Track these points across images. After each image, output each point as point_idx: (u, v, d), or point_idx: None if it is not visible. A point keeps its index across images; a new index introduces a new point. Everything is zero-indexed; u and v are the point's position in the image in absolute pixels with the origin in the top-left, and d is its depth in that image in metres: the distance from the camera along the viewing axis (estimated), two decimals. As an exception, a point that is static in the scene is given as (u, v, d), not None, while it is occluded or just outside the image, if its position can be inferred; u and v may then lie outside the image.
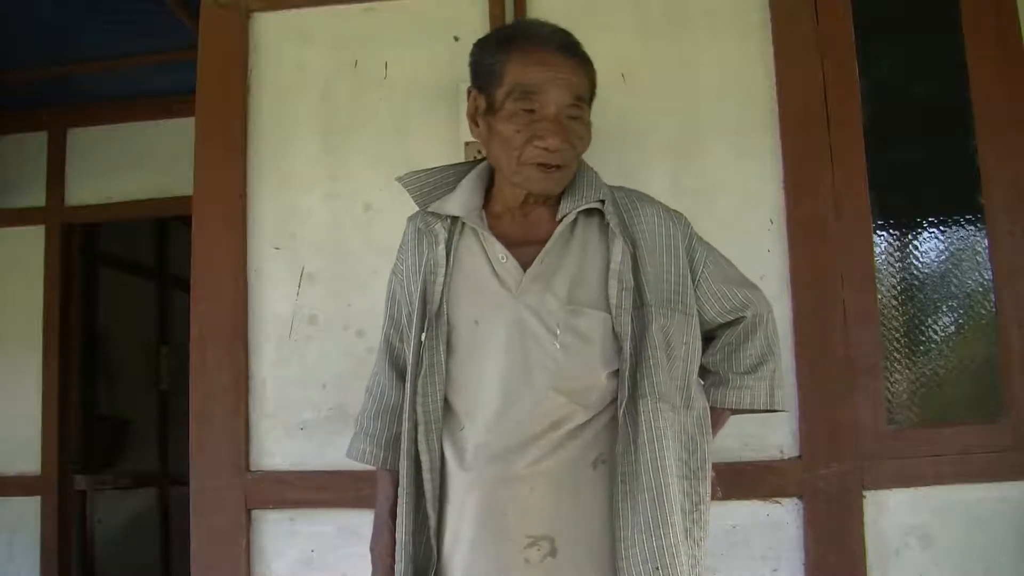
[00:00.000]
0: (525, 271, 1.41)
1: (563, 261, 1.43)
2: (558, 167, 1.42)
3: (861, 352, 2.18)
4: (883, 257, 2.28)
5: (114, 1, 3.06)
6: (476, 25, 2.37)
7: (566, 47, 1.44)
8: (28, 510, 3.78)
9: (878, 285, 2.24)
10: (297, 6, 2.45)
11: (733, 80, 2.30)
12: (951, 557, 2.12)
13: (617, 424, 1.37)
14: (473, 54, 1.50)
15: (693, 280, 1.50)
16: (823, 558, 2.11)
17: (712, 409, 1.51)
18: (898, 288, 2.27)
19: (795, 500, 2.15)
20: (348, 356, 2.29)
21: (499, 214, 1.50)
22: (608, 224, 1.44)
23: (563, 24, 1.50)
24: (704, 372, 1.55)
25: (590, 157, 2.27)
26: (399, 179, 1.54)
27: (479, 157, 2.23)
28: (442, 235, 1.47)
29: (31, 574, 3.73)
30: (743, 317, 1.55)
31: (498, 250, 1.43)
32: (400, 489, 1.44)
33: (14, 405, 3.83)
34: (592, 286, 1.42)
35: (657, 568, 1.31)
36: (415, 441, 1.42)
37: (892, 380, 2.22)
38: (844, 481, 2.13)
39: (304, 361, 2.31)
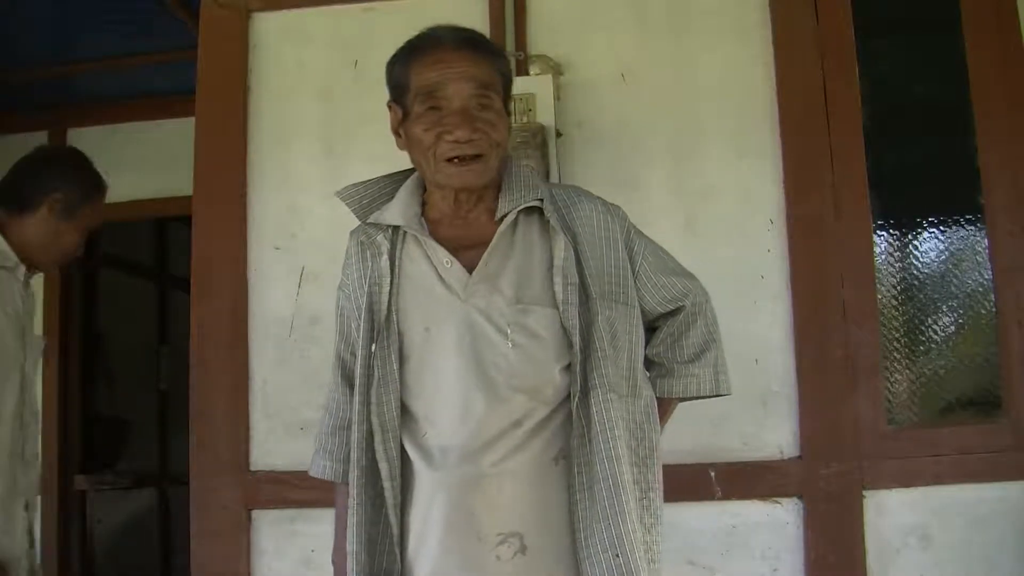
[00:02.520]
0: (470, 274, 1.42)
1: (507, 261, 1.44)
2: (475, 157, 1.43)
3: (861, 352, 2.18)
4: (883, 257, 2.28)
5: (114, 1, 3.06)
6: (476, 25, 2.33)
7: (462, 42, 1.47)
8: (28, 510, 3.78)
9: (878, 285, 2.24)
10: (297, 6, 2.45)
11: (733, 80, 2.30)
12: (951, 557, 2.12)
13: (572, 419, 1.39)
14: (386, 71, 1.54)
15: (633, 271, 1.52)
16: (823, 558, 2.11)
17: (660, 400, 1.54)
18: (898, 288, 2.27)
19: (795, 500, 2.15)
20: (348, 356, 2.29)
21: (438, 220, 1.50)
22: (548, 221, 1.45)
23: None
24: (649, 363, 1.57)
25: (591, 157, 2.28)
26: (337, 194, 1.56)
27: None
28: (384, 246, 1.48)
29: (31, 574, 3.73)
30: (683, 307, 1.58)
31: (442, 255, 1.44)
32: (351, 500, 1.45)
33: (14, 405, 3.82)
34: (537, 284, 1.43)
35: (617, 555, 1.33)
36: (367, 451, 1.43)
37: (892, 380, 2.22)
38: (844, 481, 2.13)
39: (304, 361, 2.31)
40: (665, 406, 1.57)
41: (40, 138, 3.98)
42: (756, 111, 2.28)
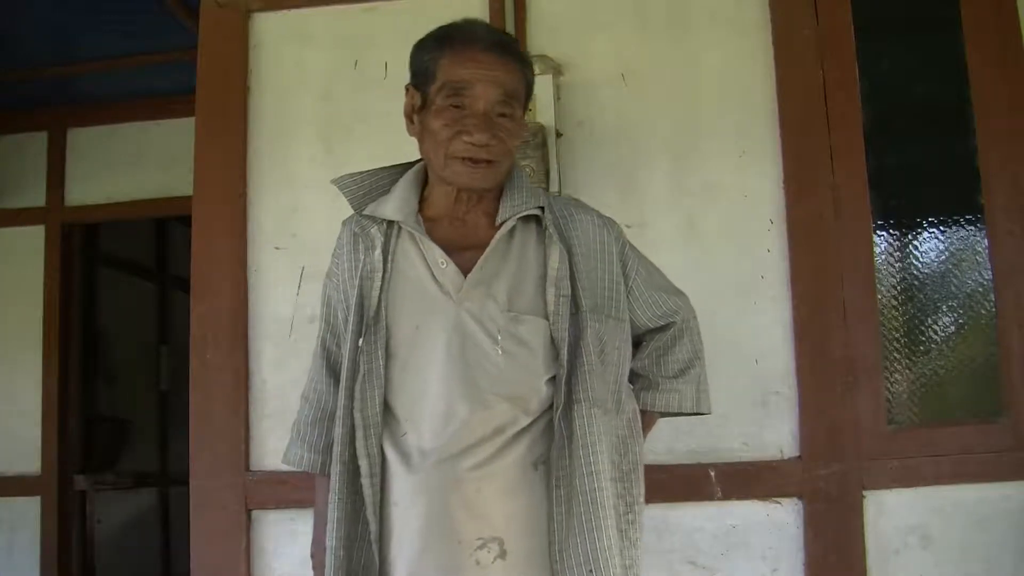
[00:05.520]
0: (464, 276, 1.41)
1: (502, 267, 1.43)
2: (487, 162, 1.42)
3: (861, 352, 2.18)
4: (883, 257, 2.28)
5: (114, 1, 3.06)
6: (476, 25, 2.37)
7: (498, 45, 1.45)
8: (28, 510, 3.78)
9: (878, 285, 2.24)
10: (297, 6, 2.45)
11: (733, 80, 2.30)
12: (951, 557, 2.12)
13: (553, 427, 1.38)
14: (412, 53, 1.52)
15: (626, 286, 1.52)
16: (823, 558, 2.11)
17: (642, 412, 1.54)
18: (898, 288, 2.27)
19: (795, 500, 2.15)
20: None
21: (435, 218, 1.49)
22: (545, 230, 1.45)
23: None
24: (633, 376, 1.57)
25: (591, 157, 2.28)
26: (334, 181, 1.54)
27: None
28: (378, 239, 1.46)
29: (31, 574, 3.73)
30: (672, 323, 1.58)
31: (437, 255, 1.42)
32: (331, 495, 1.43)
33: (14, 405, 3.83)
34: (530, 293, 1.42)
35: (591, 571, 1.33)
36: (349, 446, 1.41)
37: (892, 380, 2.22)
38: (844, 481, 2.13)
39: (304, 361, 2.28)
40: (647, 419, 1.57)
41: (40, 138, 3.99)
42: (756, 111, 2.28)
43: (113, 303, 4.57)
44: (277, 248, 2.37)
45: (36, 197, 3.96)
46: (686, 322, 1.60)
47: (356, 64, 2.41)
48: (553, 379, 1.40)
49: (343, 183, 1.54)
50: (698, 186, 2.27)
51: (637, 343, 1.58)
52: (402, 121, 2.34)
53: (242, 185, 2.39)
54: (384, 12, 2.42)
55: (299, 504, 2.26)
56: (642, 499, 1.47)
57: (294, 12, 2.46)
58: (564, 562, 1.34)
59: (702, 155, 2.28)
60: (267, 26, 2.46)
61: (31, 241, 3.92)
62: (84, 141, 3.99)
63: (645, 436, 1.56)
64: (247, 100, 2.42)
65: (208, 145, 2.42)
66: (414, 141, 2.32)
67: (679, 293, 1.61)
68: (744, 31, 2.31)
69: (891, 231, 2.30)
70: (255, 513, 2.29)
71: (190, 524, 2.29)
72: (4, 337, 3.88)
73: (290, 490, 2.26)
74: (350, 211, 2.34)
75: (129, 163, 3.92)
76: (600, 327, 1.43)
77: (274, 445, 2.30)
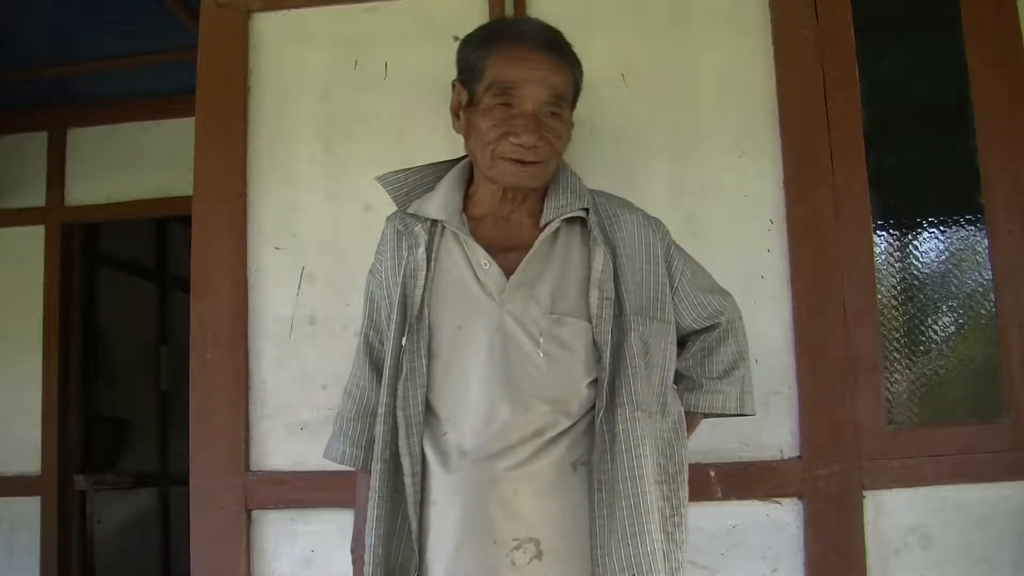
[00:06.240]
0: (507, 277, 1.41)
1: (546, 268, 1.43)
2: (534, 163, 1.42)
3: (861, 352, 2.18)
4: (883, 257, 2.28)
5: (114, 1, 3.06)
6: (476, 25, 2.36)
7: (548, 45, 1.44)
8: (28, 510, 3.79)
9: (878, 285, 2.24)
10: (297, 6, 2.45)
11: (733, 80, 2.30)
12: (951, 557, 2.12)
13: (594, 429, 1.38)
14: (459, 49, 1.51)
15: (671, 288, 1.51)
16: (823, 558, 2.11)
17: (686, 413, 1.53)
18: (898, 288, 2.27)
19: (795, 500, 2.15)
20: (348, 356, 2.25)
21: (480, 217, 1.49)
22: (590, 232, 1.44)
23: (563, 24, 1.51)
24: (677, 376, 1.56)
25: (591, 157, 2.28)
26: (378, 178, 1.53)
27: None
28: (422, 238, 1.46)
29: (31, 574, 3.73)
30: (718, 323, 1.58)
31: (481, 256, 1.42)
32: (372, 493, 1.43)
33: (14, 405, 3.83)
34: (573, 295, 1.42)
35: (634, 575, 1.33)
36: (391, 444, 1.41)
37: (892, 380, 2.22)
38: (844, 481, 2.13)
39: (304, 361, 2.31)
40: (690, 420, 1.56)
41: (40, 138, 3.99)
42: (756, 111, 2.28)
43: (113, 303, 4.58)
44: (277, 248, 2.37)
45: (36, 197, 3.96)
46: (731, 323, 1.59)
47: (356, 64, 2.41)
48: (595, 382, 1.39)
49: (387, 180, 1.53)
50: (698, 186, 2.27)
51: (682, 343, 1.57)
52: (402, 121, 2.36)
53: (242, 185, 2.39)
54: (384, 12, 2.42)
55: (299, 504, 2.26)
56: (687, 501, 1.47)
57: (294, 12, 2.45)
58: (606, 566, 1.33)
59: (702, 155, 2.28)
60: (267, 26, 2.46)
61: (31, 241, 3.92)
62: (84, 141, 3.99)
63: (689, 436, 1.55)
64: (247, 100, 2.42)
65: (208, 145, 2.42)
66: (414, 142, 2.35)
67: (724, 293, 1.60)
68: (744, 31, 2.31)
69: (891, 231, 2.30)
70: (255, 513, 2.29)
71: (190, 524, 2.29)
72: (4, 337, 3.88)
73: (290, 490, 2.26)
74: (348, 212, 2.36)
75: (129, 163, 3.92)
76: (645, 329, 1.42)
77: (274, 445, 2.30)
